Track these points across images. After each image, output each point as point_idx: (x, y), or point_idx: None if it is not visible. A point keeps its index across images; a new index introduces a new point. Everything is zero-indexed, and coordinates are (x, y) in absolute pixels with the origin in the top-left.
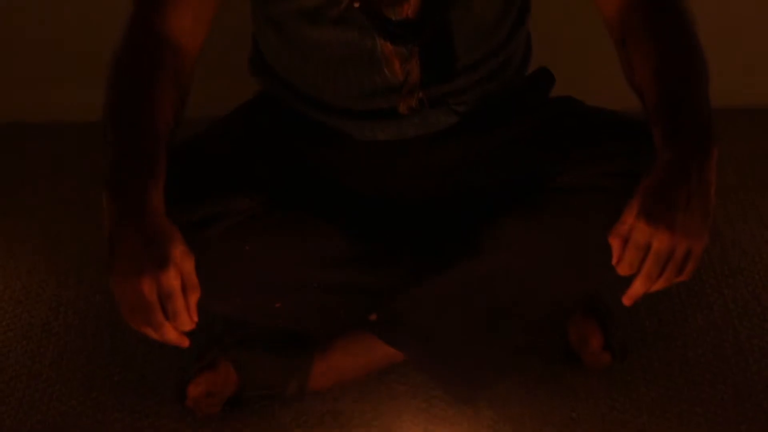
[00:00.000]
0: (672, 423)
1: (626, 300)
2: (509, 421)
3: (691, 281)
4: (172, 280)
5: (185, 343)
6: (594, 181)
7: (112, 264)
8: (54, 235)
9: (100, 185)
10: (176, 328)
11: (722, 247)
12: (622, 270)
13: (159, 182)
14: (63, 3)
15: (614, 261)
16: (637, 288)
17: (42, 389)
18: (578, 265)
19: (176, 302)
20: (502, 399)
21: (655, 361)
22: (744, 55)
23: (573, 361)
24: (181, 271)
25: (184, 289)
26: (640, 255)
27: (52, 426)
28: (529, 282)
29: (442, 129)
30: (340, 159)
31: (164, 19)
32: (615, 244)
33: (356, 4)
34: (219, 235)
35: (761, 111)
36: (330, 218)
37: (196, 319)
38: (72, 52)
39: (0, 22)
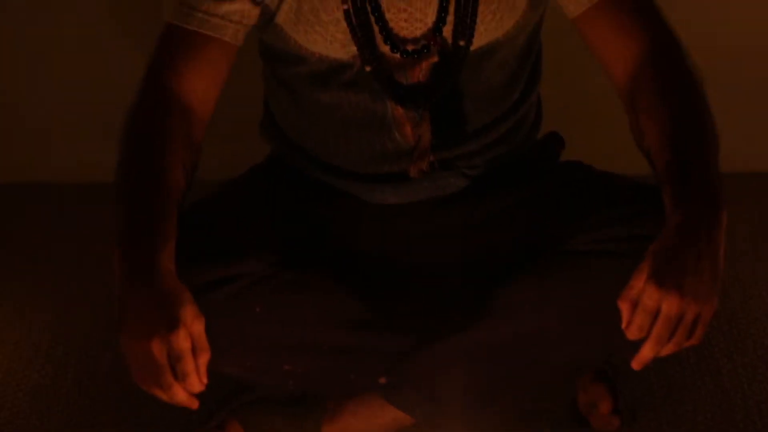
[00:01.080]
0: None
1: (635, 364)
2: None
3: (701, 345)
4: (182, 341)
5: (194, 404)
6: (603, 244)
7: (122, 324)
8: (62, 295)
9: (108, 245)
10: (185, 390)
11: (732, 311)
12: (632, 334)
13: (170, 243)
14: (64, 64)
15: (624, 325)
16: (646, 352)
17: None
18: (587, 330)
19: (186, 364)
20: None
21: (664, 426)
22: (754, 118)
23: (582, 425)
24: (191, 332)
25: (194, 351)
26: (650, 319)
27: None
28: (539, 346)
29: (452, 192)
30: (350, 222)
31: (177, 82)
32: (624, 307)
33: (368, 69)
34: (229, 297)
35: None
36: (340, 280)
37: (205, 380)
38: (72, 112)
39: (1, 85)
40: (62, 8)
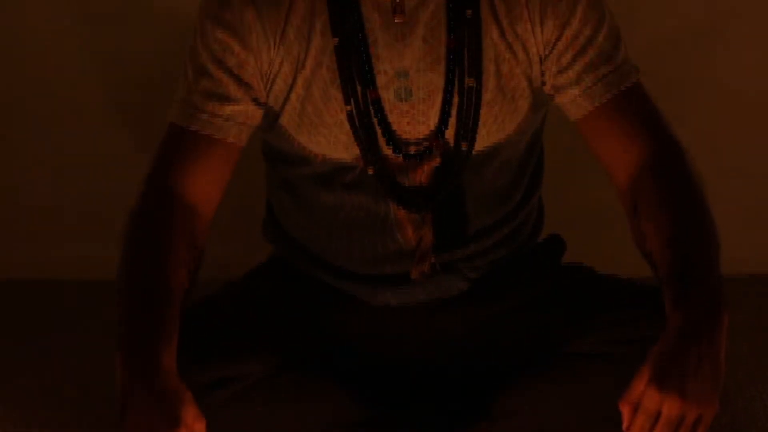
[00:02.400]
0: None
1: None
2: None
3: None
4: None
5: None
6: (605, 347)
7: (123, 423)
8: (63, 393)
9: (109, 342)
10: None
11: (732, 414)
12: None
13: (172, 343)
14: (67, 162)
15: (625, 427)
16: None
17: None
18: None
19: None
20: None
21: None
22: (755, 222)
23: None
24: None
25: None
26: (651, 421)
27: None
28: None
29: (453, 294)
30: (351, 323)
31: (180, 182)
32: (626, 410)
33: (370, 170)
34: (230, 398)
35: None
36: (341, 382)
37: None
38: (70, 210)
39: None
40: (64, 106)
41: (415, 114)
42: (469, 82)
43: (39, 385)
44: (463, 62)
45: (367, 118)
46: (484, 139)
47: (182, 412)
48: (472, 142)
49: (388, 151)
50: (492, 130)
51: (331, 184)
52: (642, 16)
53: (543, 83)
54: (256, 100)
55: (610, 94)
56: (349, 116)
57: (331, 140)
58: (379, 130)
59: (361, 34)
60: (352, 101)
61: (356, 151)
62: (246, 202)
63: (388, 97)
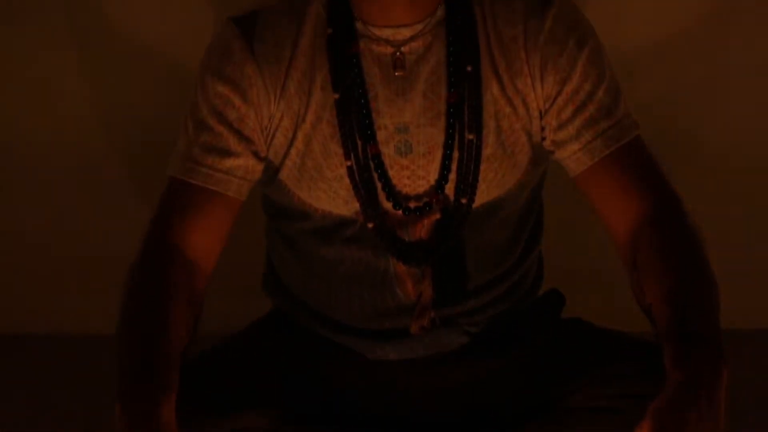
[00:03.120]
0: None
1: None
2: None
3: None
4: None
5: None
6: (604, 401)
7: None
8: None
9: (108, 397)
10: None
11: None
12: None
13: (171, 397)
14: (63, 215)
15: None
16: None
17: None
18: None
19: None
20: None
21: None
22: (754, 276)
23: None
24: None
25: None
26: None
27: None
28: None
29: (453, 348)
30: (350, 377)
31: (179, 236)
32: None
33: (370, 225)
34: None
35: None
36: None
37: None
38: (73, 264)
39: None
40: (65, 157)
41: (415, 169)
42: (470, 137)
43: None
44: (463, 117)
45: (367, 173)
46: (484, 194)
47: None
48: (472, 197)
49: (388, 206)
50: (492, 186)
51: (331, 238)
52: (642, 70)
53: (543, 138)
54: (256, 154)
55: (610, 149)
56: (349, 171)
57: (330, 195)
58: (379, 185)
59: (361, 88)
60: (352, 156)
61: (356, 206)
62: (246, 255)
63: (388, 152)
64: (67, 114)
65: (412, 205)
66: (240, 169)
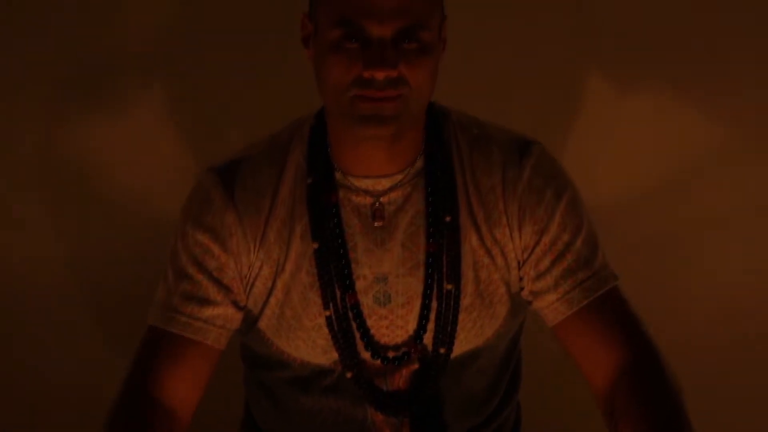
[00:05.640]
0: None
1: None
2: None
3: None
4: None
5: None
6: None
7: None
8: None
9: None
10: None
11: None
12: None
13: None
14: (45, 363)
15: None
16: None
17: None
18: None
19: None
20: None
21: None
22: (733, 424)
23: None
24: None
25: None
26: None
27: None
28: None
29: None
30: None
31: (158, 385)
32: None
33: (348, 375)
34: None
35: None
36: None
37: None
38: (49, 409)
39: None
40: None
41: (393, 319)
42: (448, 287)
43: None
44: (441, 268)
45: (345, 323)
46: (462, 344)
47: None
48: (450, 346)
49: (366, 356)
50: (470, 335)
51: (309, 388)
52: (621, 221)
53: (521, 288)
54: (235, 303)
55: (588, 299)
56: (328, 321)
57: (309, 344)
58: (357, 335)
59: (341, 239)
60: (331, 305)
61: (334, 355)
62: (224, 402)
63: (366, 301)
64: (41, 255)
65: (390, 354)
66: (219, 318)
